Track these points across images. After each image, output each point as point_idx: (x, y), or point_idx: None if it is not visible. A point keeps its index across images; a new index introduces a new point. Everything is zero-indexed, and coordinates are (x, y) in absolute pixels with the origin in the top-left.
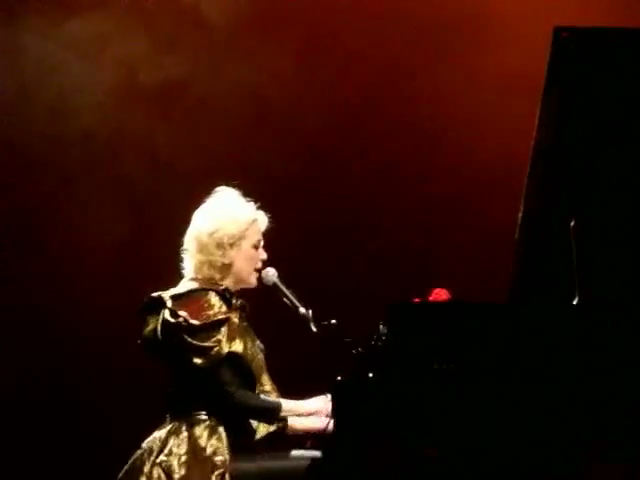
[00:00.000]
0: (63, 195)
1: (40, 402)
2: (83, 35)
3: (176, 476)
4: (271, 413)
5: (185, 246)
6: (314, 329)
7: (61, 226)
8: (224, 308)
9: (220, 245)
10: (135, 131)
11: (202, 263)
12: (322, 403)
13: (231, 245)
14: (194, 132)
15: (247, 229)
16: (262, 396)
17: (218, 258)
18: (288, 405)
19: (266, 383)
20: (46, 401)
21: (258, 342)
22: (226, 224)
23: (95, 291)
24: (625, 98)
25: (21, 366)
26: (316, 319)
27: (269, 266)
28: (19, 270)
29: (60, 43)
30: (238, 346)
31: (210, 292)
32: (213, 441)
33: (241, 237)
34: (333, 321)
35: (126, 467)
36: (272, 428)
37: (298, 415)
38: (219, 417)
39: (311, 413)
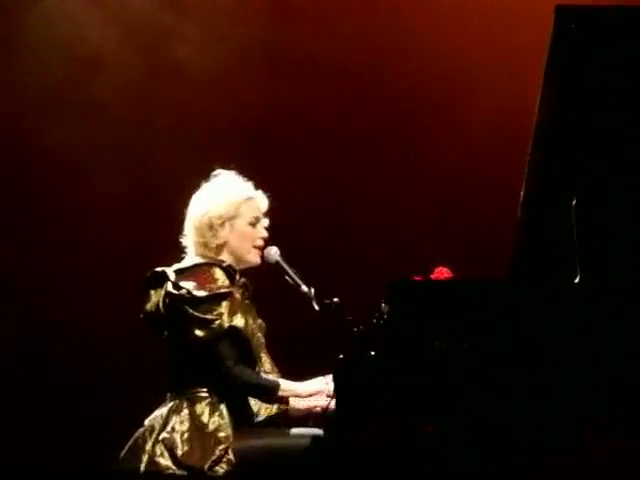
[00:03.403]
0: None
1: (42, 382)
2: None
3: (179, 452)
4: (269, 391)
5: (185, 231)
6: (316, 307)
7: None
8: (227, 282)
9: (211, 226)
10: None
11: (198, 246)
12: (322, 384)
13: (221, 225)
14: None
15: (239, 208)
16: (262, 375)
17: (211, 239)
18: (287, 385)
19: (265, 362)
20: (48, 381)
21: (260, 321)
22: (215, 205)
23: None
24: (627, 77)
25: (22, 343)
26: (318, 297)
27: (272, 244)
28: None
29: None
30: (239, 321)
31: (214, 266)
32: (215, 418)
33: (233, 216)
34: (335, 299)
35: (128, 445)
36: (274, 410)
37: (296, 396)
38: (220, 394)
39: (310, 394)
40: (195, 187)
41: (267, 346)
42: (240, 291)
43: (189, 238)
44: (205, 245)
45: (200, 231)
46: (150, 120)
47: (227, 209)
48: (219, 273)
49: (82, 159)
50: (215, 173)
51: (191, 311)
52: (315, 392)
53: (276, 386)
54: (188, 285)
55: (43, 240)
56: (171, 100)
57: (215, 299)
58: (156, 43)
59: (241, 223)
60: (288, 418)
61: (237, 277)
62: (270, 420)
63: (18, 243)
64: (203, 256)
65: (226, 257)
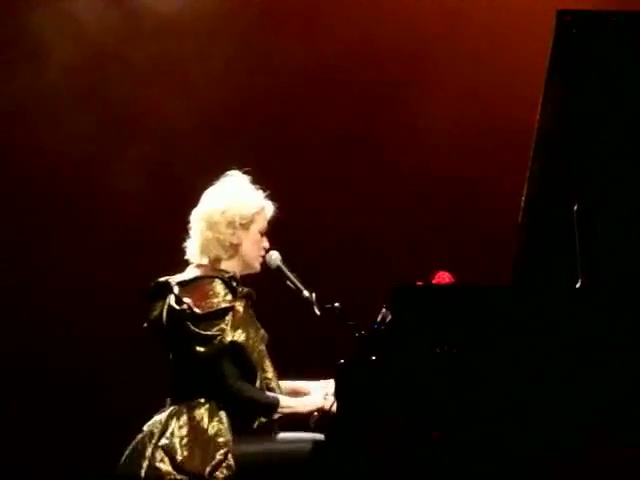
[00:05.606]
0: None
1: (41, 387)
2: None
3: (179, 457)
4: (269, 408)
5: (192, 225)
6: (318, 312)
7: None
8: (229, 297)
9: (231, 224)
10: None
11: (209, 241)
12: (321, 400)
13: (242, 225)
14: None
15: (256, 213)
16: (262, 391)
17: (228, 237)
18: (287, 402)
19: (268, 370)
20: (47, 387)
21: (262, 331)
22: (239, 204)
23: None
24: (628, 81)
25: (23, 346)
26: (320, 302)
27: (273, 249)
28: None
29: None
30: (240, 336)
31: (216, 280)
32: (214, 423)
33: (252, 220)
34: (337, 304)
35: (127, 451)
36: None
37: (296, 413)
38: (219, 402)
39: (310, 411)
40: (206, 187)
41: (269, 354)
42: (243, 302)
43: (199, 234)
44: (218, 242)
45: (218, 227)
46: (162, 119)
47: (249, 211)
48: (220, 287)
49: (90, 158)
50: (230, 173)
51: (192, 327)
52: (316, 407)
53: (276, 403)
54: (189, 301)
55: (51, 240)
56: (183, 99)
57: (216, 315)
58: (163, 40)
59: (255, 229)
60: (290, 422)
61: (240, 288)
62: (268, 424)
63: (27, 243)
64: (206, 266)
65: (234, 261)
